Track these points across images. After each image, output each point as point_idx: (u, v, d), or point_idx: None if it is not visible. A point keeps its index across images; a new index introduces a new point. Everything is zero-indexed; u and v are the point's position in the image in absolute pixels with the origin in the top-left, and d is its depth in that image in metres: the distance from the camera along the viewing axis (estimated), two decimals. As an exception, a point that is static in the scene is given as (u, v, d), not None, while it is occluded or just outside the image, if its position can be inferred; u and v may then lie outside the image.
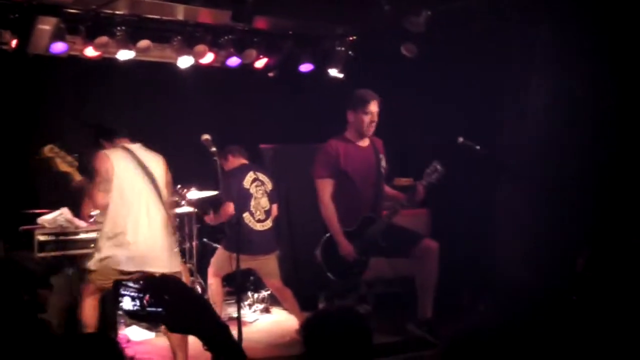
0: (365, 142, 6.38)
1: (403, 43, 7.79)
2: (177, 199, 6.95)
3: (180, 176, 6.03)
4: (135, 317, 2.33)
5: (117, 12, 7.06)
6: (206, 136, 5.96)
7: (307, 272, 7.15)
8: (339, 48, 8.36)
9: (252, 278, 7.55)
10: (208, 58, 7.72)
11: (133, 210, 5.47)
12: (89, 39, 7.03)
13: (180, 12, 7.24)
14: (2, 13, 6.58)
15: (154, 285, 2.26)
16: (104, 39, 7.02)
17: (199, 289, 7.36)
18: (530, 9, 6.82)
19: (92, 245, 6.22)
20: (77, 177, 5.38)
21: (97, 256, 5.46)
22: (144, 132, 5.77)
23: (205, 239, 7.85)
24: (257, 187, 6.78)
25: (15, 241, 6.37)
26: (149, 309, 2.24)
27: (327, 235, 6.22)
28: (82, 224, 6.65)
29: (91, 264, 5.48)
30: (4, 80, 7.22)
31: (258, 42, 7.93)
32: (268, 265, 6.82)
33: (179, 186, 6.86)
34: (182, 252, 7.22)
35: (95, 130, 5.87)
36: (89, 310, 5.51)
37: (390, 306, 7.19)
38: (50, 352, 2.33)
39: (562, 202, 6.60)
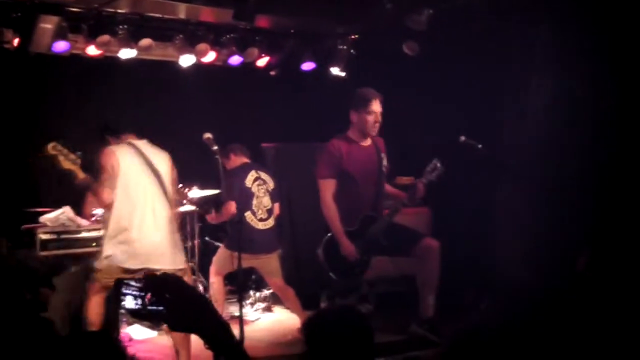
0: (367, 142, 6.37)
1: (405, 41, 7.79)
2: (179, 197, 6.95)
3: (182, 175, 6.03)
4: (137, 315, 2.34)
5: (119, 11, 7.07)
6: (208, 135, 5.97)
7: (308, 271, 7.15)
8: (341, 47, 8.36)
9: (254, 277, 7.56)
10: (210, 57, 7.73)
11: (138, 206, 5.47)
12: (91, 38, 7.04)
13: (182, 11, 7.24)
14: (5, 12, 6.59)
15: (155, 284, 2.26)
16: (105, 37, 7.03)
17: (201, 288, 7.37)
18: (530, 9, 6.83)
19: (94, 244, 6.22)
20: (81, 174, 5.37)
21: (102, 254, 5.46)
22: (145, 131, 5.77)
23: (207, 238, 7.86)
24: (259, 186, 6.78)
25: (18, 240, 6.38)
26: (150, 307, 2.25)
27: (329, 234, 6.21)
28: (84, 222, 6.66)
29: (97, 263, 5.48)
30: (6, 79, 7.23)
31: (260, 40, 7.94)
32: (270, 264, 6.82)
33: (180, 185, 6.86)
34: (184, 251, 7.22)
35: (101, 126, 5.87)
36: (95, 309, 5.51)
37: (392, 305, 7.18)
38: (52, 350, 2.33)
39: (562, 202, 6.60)
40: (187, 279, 5.75)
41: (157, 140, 5.83)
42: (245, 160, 6.94)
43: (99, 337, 2.46)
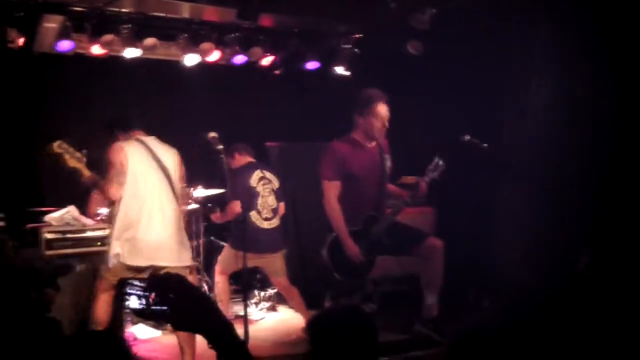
0: (372, 143, 6.36)
1: (408, 41, 7.79)
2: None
3: (187, 174, 6.02)
4: (141, 315, 2.35)
5: (123, 10, 7.07)
6: (212, 134, 5.97)
7: (313, 271, 7.13)
8: (345, 46, 8.35)
9: (258, 276, 7.56)
10: (214, 56, 7.72)
11: (146, 203, 5.47)
12: (95, 37, 7.04)
13: (186, 10, 7.25)
14: (8, 11, 6.59)
15: (159, 284, 2.28)
16: (109, 37, 7.03)
17: (206, 287, 7.38)
18: (530, 9, 6.83)
19: (99, 243, 6.23)
20: (86, 172, 5.37)
21: (110, 253, 5.47)
22: (150, 131, 5.78)
23: (211, 237, 7.86)
24: (264, 185, 6.79)
25: (22, 239, 6.38)
26: (154, 307, 2.27)
27: (333, 235, 6.21)
28: (88, 221, 6.67)
29: (105, 261, 5.49)
30: (10, 78, 7.24)
31: (264, 40, 7.93)
32: (275, 263, 6.82)
33: (184, 185, 6.86)
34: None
35: (110, 121, 5.87)
36: (103, 307, 5.51)
37: (396, 304, 7.18)
38: (57, 350, 2.34)
39: (562, 202, 6.60)
40: (192, 277, 5.75)
41: (162, 140, 5.83)
42: (250, 159, 6.94)
43: (104, 336, 2.47)
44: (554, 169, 6.74)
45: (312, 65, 8.32)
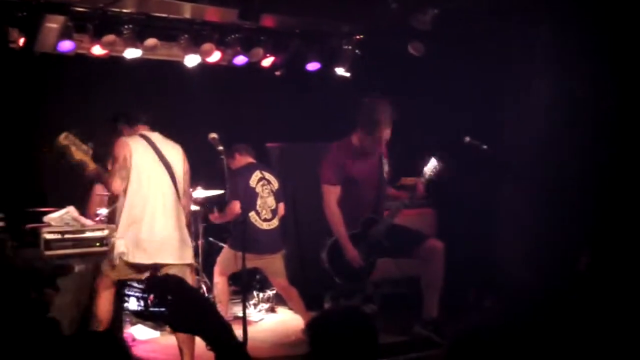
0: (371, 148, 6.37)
1: (410, 42, 7.78)
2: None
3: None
4: (139, 316, 2.35)
5: (125, 11, 7.08)
6: (213, 135, 5.97)
7: (313, 272, 7.13)
8: (346, 46, 8.35)
9: (258, 277, 7.56)
10: (215, 57, 7.73)
11: (149, 201, 5.48)
12: (96, 38, 7.05)
13: (187, 11, 7.26)
14: (10, 11, 6.60)
15: (157, 286, 2.27)
16: (111, 37, 7.04)
17: (205, 288, 7.37)
18: (531, 9, 6.83)
19: (98, 243, 6.22)
20: (92, 165, 5.38)
21: (114, 251, 5.47)
22: (152, 128, 5.78)
23: (211, 238, 7.86)
24: (264, 186, 6.79)
25: (22, 239, 6.38)
26: (152, 309, 2.26)
27: (333, 239, 6.22)
28: (88, 222, 6.65)
29: (108, 259, 5.50)
30: (11, 78, 7.24)
31: (265, 40, 7.93)
32: (274, 264, 6.82)
33: (189, 180, 6.86)
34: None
35: (115, 116, 5.87)
36: (104, 305, 5.52)
37: (396, 306, 7.18)
38: (57, 350, 2.33)
39: (562, 203, 6.61)
40: (191, 277, 5.75)
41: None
42: (250, 160, 6.94)
43: (103, 337, 2.46)
44: (554, 170, 6.74)
45: (313, 66, 8.32)
